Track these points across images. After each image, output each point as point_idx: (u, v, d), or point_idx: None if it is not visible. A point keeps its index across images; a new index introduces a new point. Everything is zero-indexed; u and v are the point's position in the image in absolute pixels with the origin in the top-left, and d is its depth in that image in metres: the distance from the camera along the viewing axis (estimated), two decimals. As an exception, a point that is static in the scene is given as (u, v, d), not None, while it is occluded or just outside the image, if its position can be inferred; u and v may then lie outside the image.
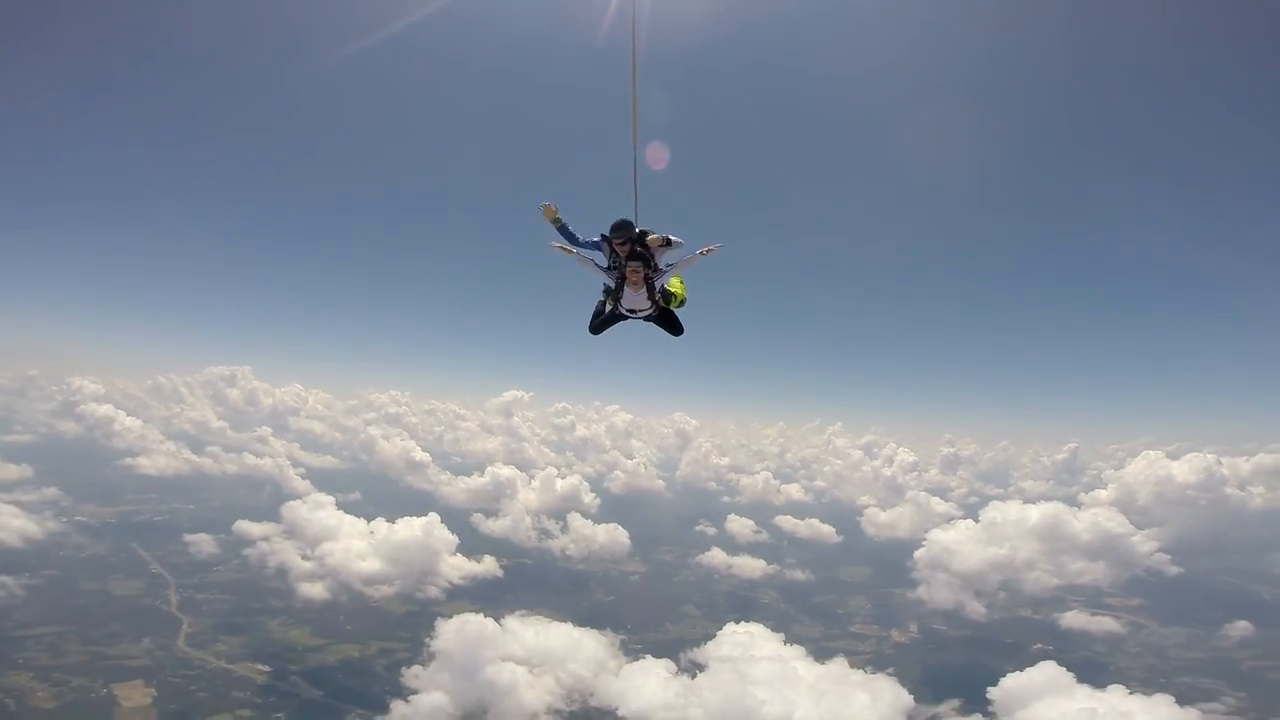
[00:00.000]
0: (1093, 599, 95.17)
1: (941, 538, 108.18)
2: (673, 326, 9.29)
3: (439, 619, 69.07)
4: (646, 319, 9.05)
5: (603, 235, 8.59)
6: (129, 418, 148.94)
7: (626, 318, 9.07)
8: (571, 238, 8.70)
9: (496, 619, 67.42)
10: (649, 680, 60.06)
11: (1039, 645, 77.98)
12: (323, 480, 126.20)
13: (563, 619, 74.56)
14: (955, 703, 61.74)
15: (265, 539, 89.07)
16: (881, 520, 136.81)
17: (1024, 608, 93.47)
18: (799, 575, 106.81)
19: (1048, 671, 58.52)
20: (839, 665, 64.11)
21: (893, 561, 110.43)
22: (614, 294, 8.75)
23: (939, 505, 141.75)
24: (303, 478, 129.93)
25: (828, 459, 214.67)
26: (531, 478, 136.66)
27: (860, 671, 64.11)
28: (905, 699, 57.86)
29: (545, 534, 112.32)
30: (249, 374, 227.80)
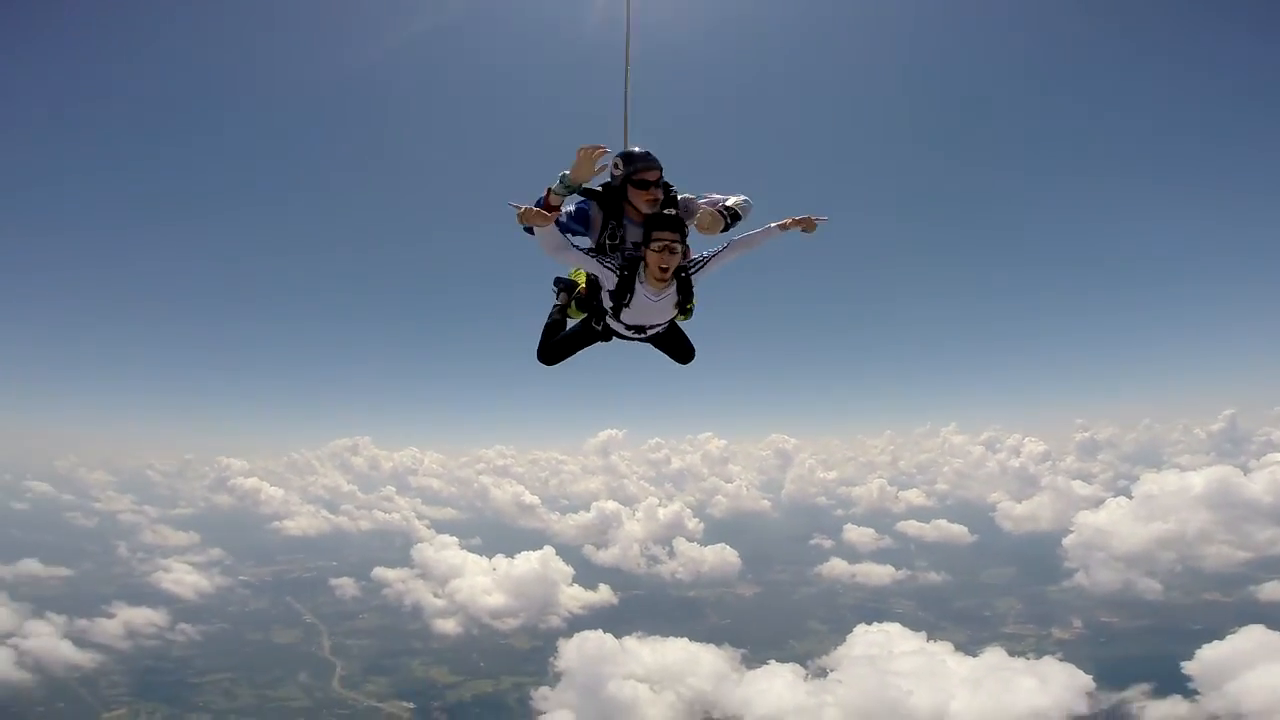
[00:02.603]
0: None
1: (1092, 520, 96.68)
2: (682, 348, 5.97)
3: (562, 639, 70.05)
4: (646, 338, 5.65)
5: (589, 193, 5.19)
6: (272, 488, 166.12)
7: (609, 337, 5.65)
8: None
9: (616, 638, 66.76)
10: (775, 684, 55.81)
11: (1236, 628, 66.53)
12: (445, 529, 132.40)
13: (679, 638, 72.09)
14: (1145, 686, 52.79)
15: (401, 581, 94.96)
16: (1018, 513, 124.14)
17: (1209, 589, 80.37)
18: (934, 578, 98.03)
19: (1257, 637, 49.26)
20: (996, 655, 56.92)
21: (1039, 556, 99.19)
22: (613, 296, 5.18)
23: (1082, 489, 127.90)
24: (428, 528, 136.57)
25: (946, 460, 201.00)
26: (634, 511, 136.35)
27: (1023, 659, 56.59)
28: (1083, 680, 50.13)
29: (653, 560, 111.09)
30: (369, 443, 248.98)
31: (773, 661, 62.96)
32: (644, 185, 5.04)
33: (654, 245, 4.87)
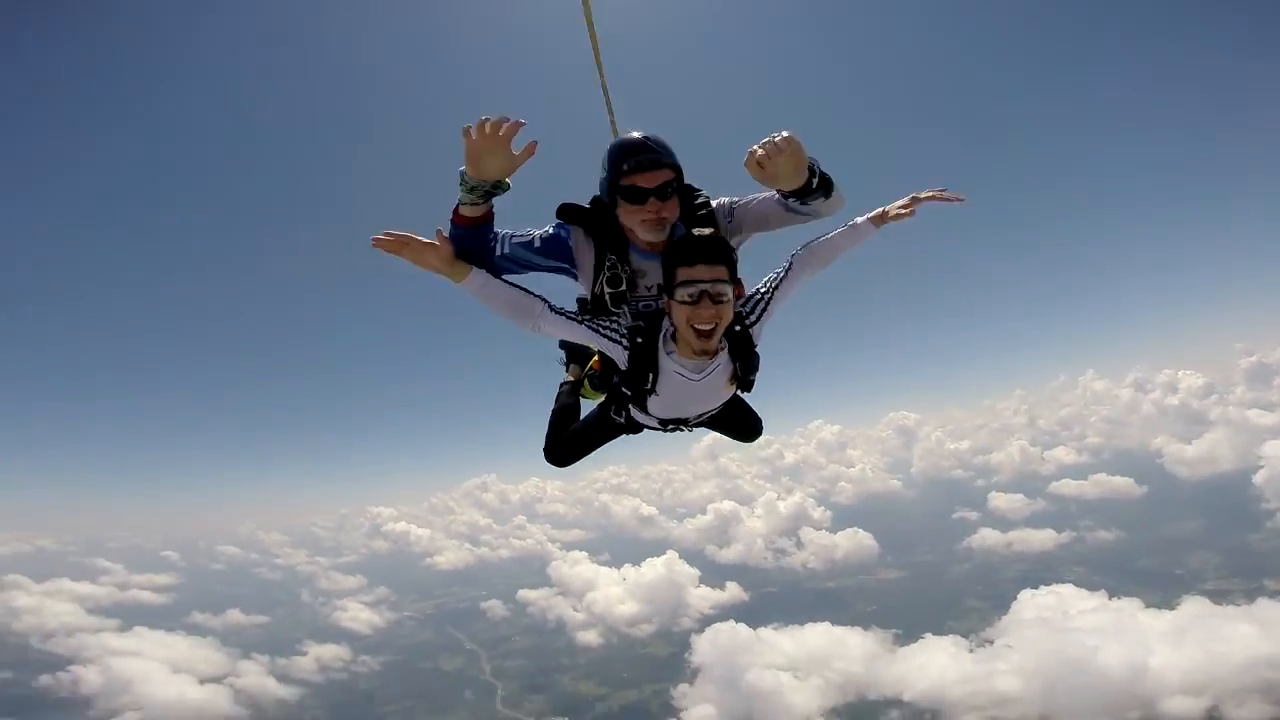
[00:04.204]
0: None
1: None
2: (743, 424, 3.86)
3: (694, 636, 69.47)
4: (701, 423, 3.56)
5: (573, 211, 3.10)
6: (419, 529, 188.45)
7: (639, 429, 3.58)
8: (484, 250, 2.93)
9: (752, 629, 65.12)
10: (936, 658, 50.59)
11: None
12: (575, 548, 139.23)
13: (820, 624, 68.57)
14: None
15: (543, 600, 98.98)
16: (1191, 455, 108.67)
17: None
18: (1105, 536, 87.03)
19: None
20: (1198, 605, 48.66)
21: (1228, 501, 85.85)
22: (627, 380, 3.05)
23: (1262, 418, 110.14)
24: (560, 549, 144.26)
25: (1091, 411, 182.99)
26: (753, 509, 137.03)
27: (1233, 605, 47.99)
28: (1321, 618, 41.35)
29: (781, 553, 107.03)
30: (496, 480, 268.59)
31: (929, 635, 57.69)
32: (636, 196, 2.83)
33: (681, 293, 2.70)
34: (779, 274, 3.06)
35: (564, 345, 4.32)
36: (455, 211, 2.80)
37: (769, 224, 3.10)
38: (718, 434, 3.92)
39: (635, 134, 2.91)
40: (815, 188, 2.76)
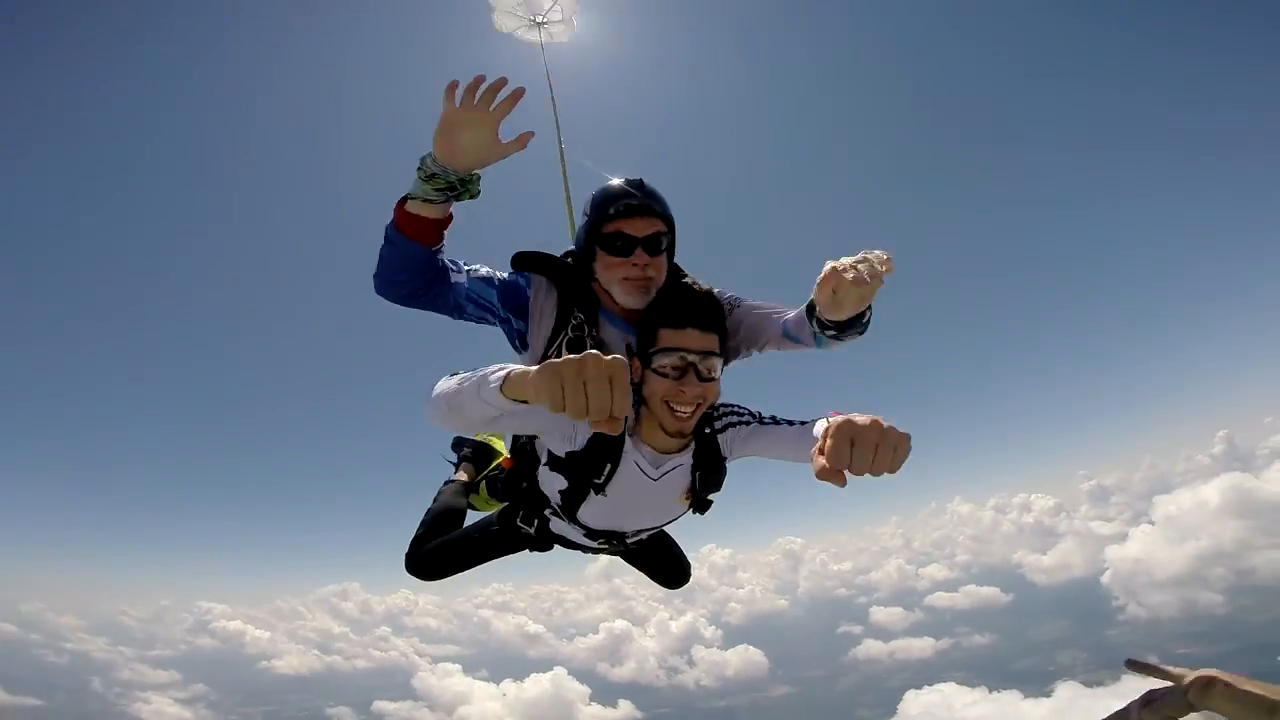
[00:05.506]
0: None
1: (1122, 553, 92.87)
2: (670, 563, 3.18)
3: None
4: (622, 550, 2.77)
5: (535, 260, 2.46)
6: (259, 631, 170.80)
7: (548, 545, 2.68)
8: (427, 271, 2.17)
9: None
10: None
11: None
12: (448, 662, 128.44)
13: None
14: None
15: (404, 713, 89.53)
16: (1048, 565, 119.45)
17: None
18: (980, 640, 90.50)
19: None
20: (1071, 689, 50.28)
21: (1083, 601, 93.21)
22: (570, 471, 2.22)
23: (1104, 528, 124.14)
24: (430, 662, 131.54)
25: (959, 531, 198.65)
26: (645, 628, 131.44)
27: (1103, 686, 49.98)
28: (1180, 690, 43.64)
29: (673, 671, 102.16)
30: (359, 589, 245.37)
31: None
32: (620, 247, 2.28)
33: (662, 361, 2.08)
34: (791, 422, 2.23)
35: (461, 441, 3.37)
36: (399, 209, 2.06)
37: (756, 343, 2.42)
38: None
39: (618, 180, 2.36)
40: (865, 323, 2.09)
